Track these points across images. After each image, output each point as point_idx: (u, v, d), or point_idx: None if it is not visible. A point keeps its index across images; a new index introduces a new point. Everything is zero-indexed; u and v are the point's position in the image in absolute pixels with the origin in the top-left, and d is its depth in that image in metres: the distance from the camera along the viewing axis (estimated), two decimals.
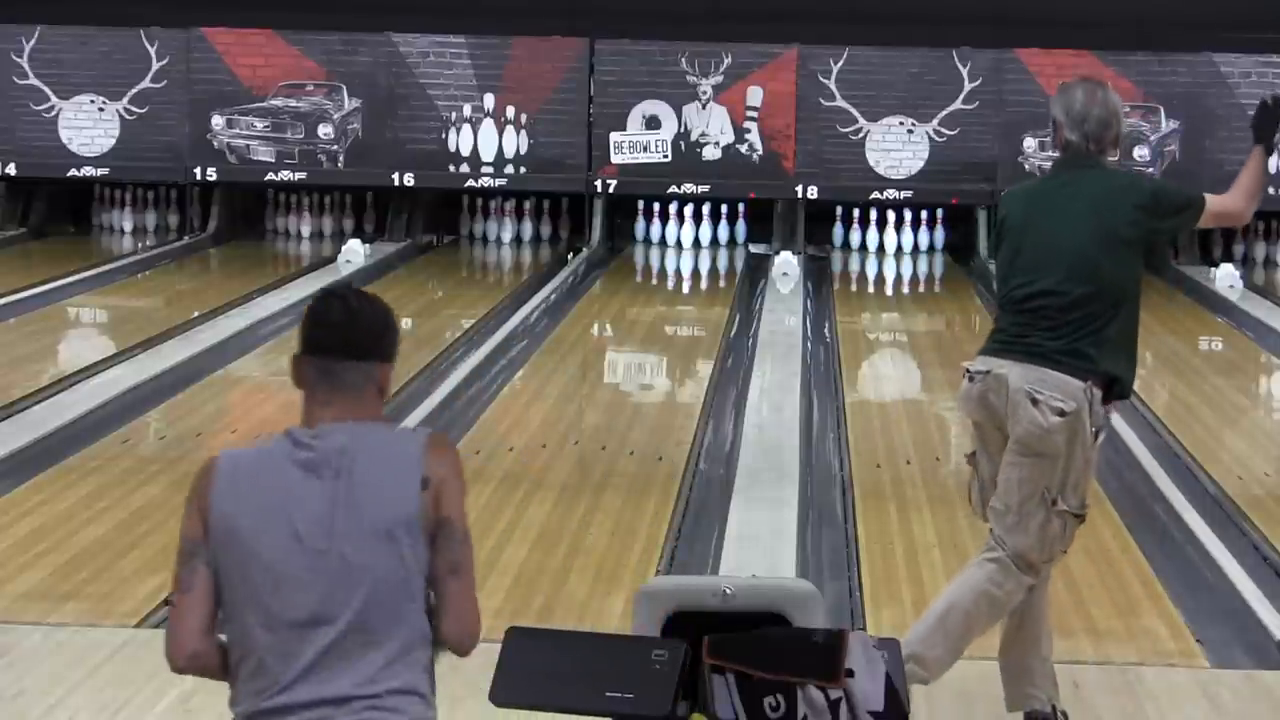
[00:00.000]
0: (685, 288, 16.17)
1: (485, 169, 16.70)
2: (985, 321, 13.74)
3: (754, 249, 16.75)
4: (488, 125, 16.66)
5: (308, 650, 3.25)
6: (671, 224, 17.03)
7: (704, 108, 16.60)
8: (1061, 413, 5.26)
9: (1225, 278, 14.77)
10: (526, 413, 10.41)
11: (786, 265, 15.33)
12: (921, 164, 16.56)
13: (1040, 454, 5.29)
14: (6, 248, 16.39)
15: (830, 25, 16.58)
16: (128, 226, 17.37)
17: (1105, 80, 5.72)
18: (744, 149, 16.62)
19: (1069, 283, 5.31)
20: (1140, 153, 16.12)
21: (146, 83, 16.79)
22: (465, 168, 16.69)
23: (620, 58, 16.65)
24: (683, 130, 16.63)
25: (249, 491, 3.30)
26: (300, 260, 16.36)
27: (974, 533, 7.78)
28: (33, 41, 16.80)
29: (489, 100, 16.64)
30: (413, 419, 9.64)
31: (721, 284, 16.09)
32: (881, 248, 16.90)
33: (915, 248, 16.90)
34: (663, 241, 17.05)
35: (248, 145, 16.76)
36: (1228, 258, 16.08)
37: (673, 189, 16.69)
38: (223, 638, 3.34)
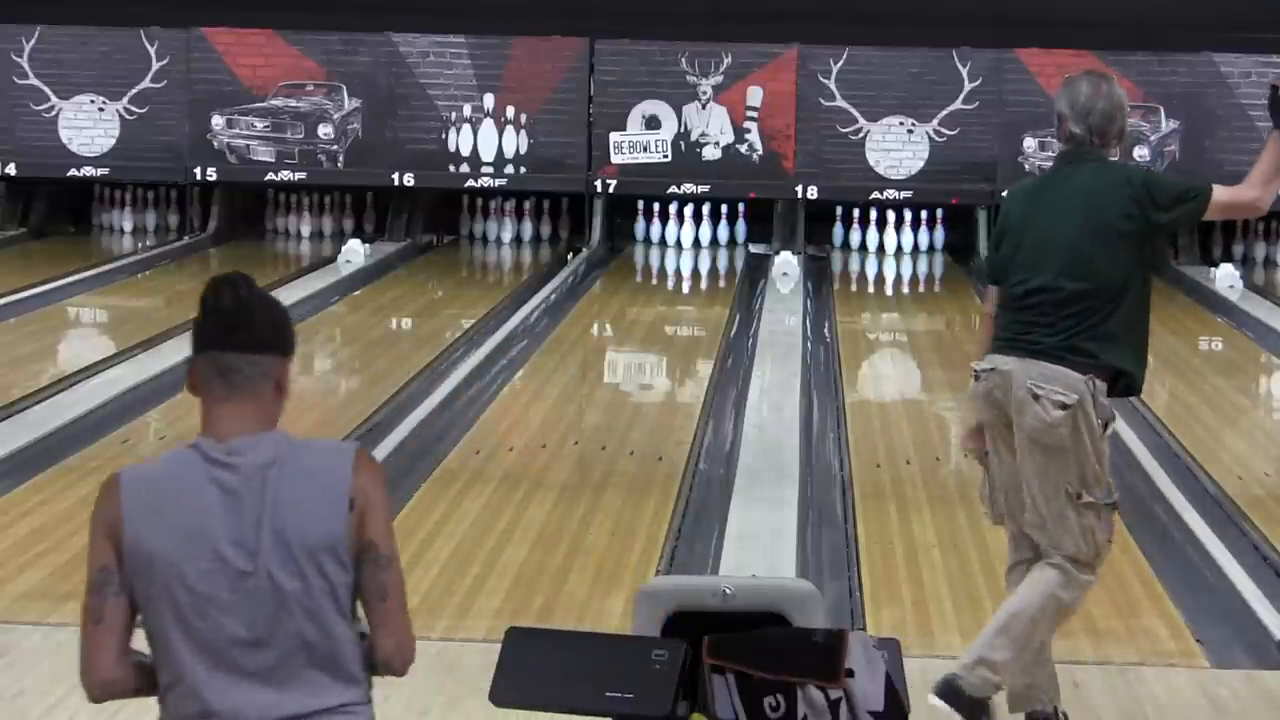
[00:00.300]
0: (685, 288, 16.17)
1: (485, 169, 16.70)
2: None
3: (754, 249, 16.74)
4: (488, 125, 16.66)
5: (240, 674, 3.19)
6: (671, 224, 17.03)
7: (704, 108, 16.60)
8: (1063, 405, 5.26)
9: (1225, 278, 14.77)
10: (526, 413, 10.40)
11: (786, 265, 15.33)
12: (921, 164, 16.56)
13: (1048, 448, 5.29)
14: (6, 248, 16.39)
15: (830, 25, 16.58)
16: (128, 226, 17.37)
17: (1110, 75, 5.67)
18: (744, 149, 16.62)
19: (1063, 278, 5.32)
20: (1140, 153, 16.12)
21: (146, 83, 16.79)
22: (465, 168, 16.69)
23: (620, 58, 16.65)
24: (683, 130, 16.62)
25: (164, 513, 3.19)
26: (300, 260, 16.36)
27: (974, 532, 7.78)
28: (33, 41, 16.81)
29: (489, 100, 16.64)
30: (413, 419, 9.65)
31: (721, 284, 16.09)
32: (881, 248, 16.90)
33: (915, 248, 16.90)
34: (663, 241, 17.05)
35: (248, 145, 16.76)
36: (1228, 258, 16.08)
37: (673, 189, 16.69)
38: (141, 658, 3.26)
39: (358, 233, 16.96)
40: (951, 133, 16.51)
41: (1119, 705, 5.68)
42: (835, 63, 16.51)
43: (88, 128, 16.88)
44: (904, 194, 16.63)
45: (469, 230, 17.32)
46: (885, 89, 16.55)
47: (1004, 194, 5.79)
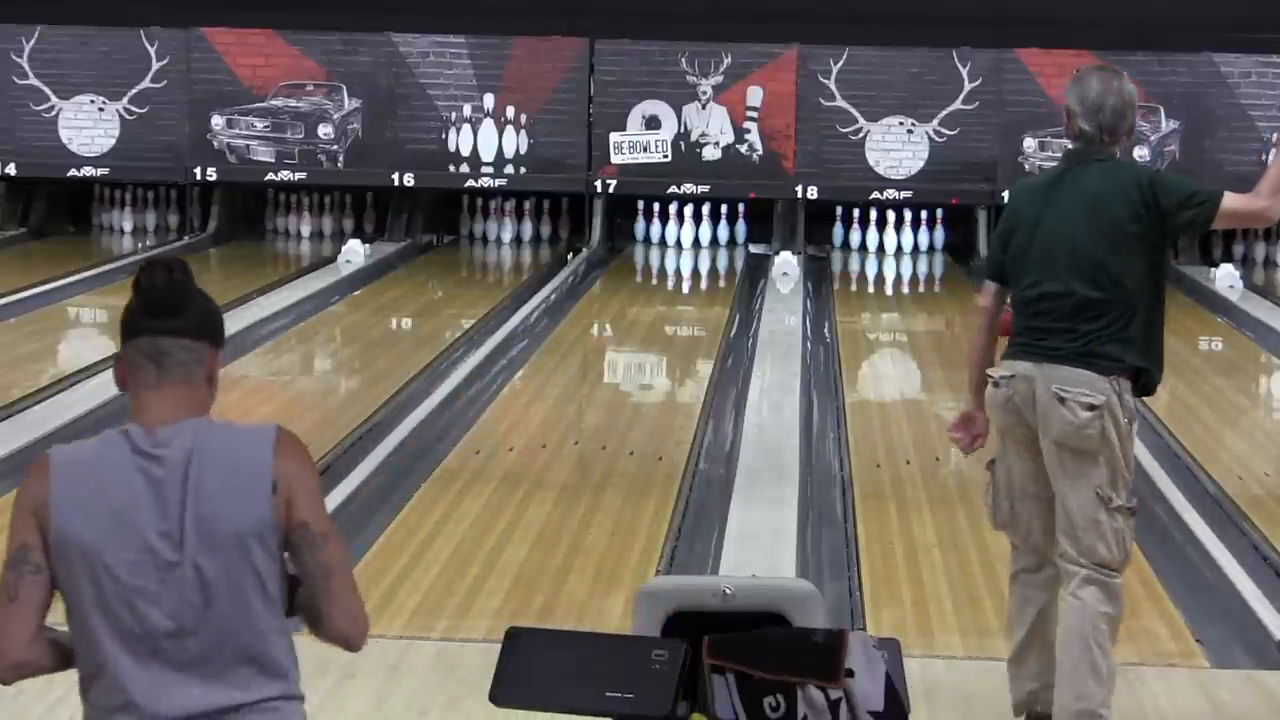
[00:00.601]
0: (685, 288, 16.17)
1: (485, 169, 16.70)
2: None
3: (754, 249, 16.75)
4: (488, 125, 16.66)
5: (164, 666, 3.15)
6: (671, 224, 17.03)
7: (704, 108, 16.60)
8: (1091, 406, 5.23)
9: (1225, 278, 14.77)
10: (526, 413, 10.41)
11: (786, 265, 15.33)
12: (921, 164, 16.56)
13: (1077, 451, 5.25)
14: (6, 248, 16.39)
15: (830, 25, 16.58)
16: (128, 226, 17.37)
17: (1120, 70, 5.59)
18: (744, 149, 16.62)
19: (1076, 282, 5.29)
20: (1140, 153, 16.11)
21: (146, 83, 16.79)
22: (465, 168, 16.69)
23: (620, 58, 16.65)
24: (683, 130, 16.62)
25: (91, 501, 3.15)
26: (300, 260, 16.36)
27: (974, 532, 7.79)
28: (33, 41, 16.81)
29: (489, 100, 16.64)
30: (413, 419, 9.65)
31: (721, 284, 16.09)
32: (881, 248, 16.90)
33: (915, 248, 16.90)
34: (663, 241, 17.05)
35: (248, 145, 16.76)
36: (1228, 258, 16.08)
37: (673, 189, 16.69)
38: (55, 635, 3.22)
39: (358, 233, 16.96)
40: (951, 133, 16.51)
41: (1119, 705, 5.68)
42: (835, 63, 16.51)
43: (88, 128, 16.88)
44: (904, 194, 16.63)
45: (469, 230, 17.33)
46: (885, 89, 16.55)
47: (1009, 191, 5.78)
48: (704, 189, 16.68)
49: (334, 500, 8.03)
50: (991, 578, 7.16)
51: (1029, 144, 16.38)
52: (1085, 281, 5.28)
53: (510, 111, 16.64)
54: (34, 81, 16.85)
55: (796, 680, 3.32)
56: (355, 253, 15.54)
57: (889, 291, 15.90)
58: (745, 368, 11.50)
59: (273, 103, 16.74)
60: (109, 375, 11.22)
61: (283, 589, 3.22)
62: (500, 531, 7.77)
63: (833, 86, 16.53)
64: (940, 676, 6.05)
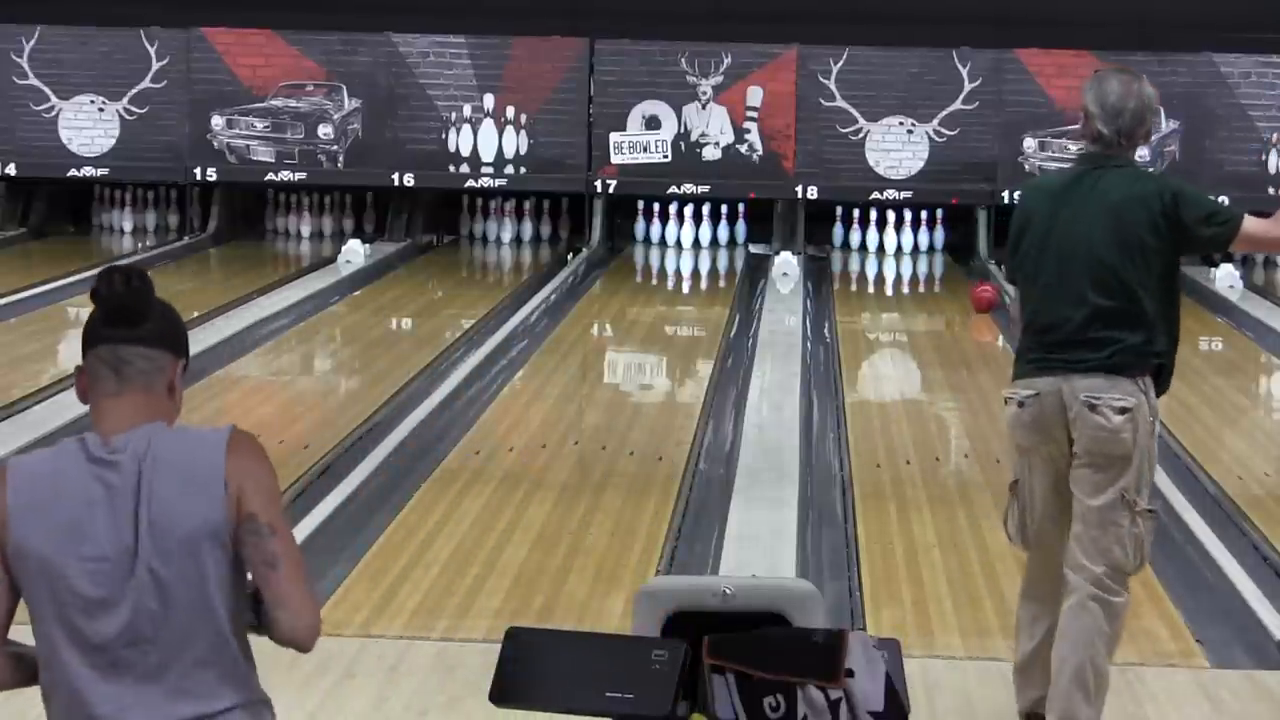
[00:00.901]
0: (685, 288, 16.17)
1: (485, 169, 16.70)
2: (984, 321, 13.74)
3: (754, 249, 16.74)
4: (488, 125, 16.66)
5: (125, 677, 3.11)
6: (671, 224, 17.03)
7: (704, 108, 16.60)
8: (1124, 410, 5.19)
9: (1225, 278, 14.78)
10: (526, 413, 10.40)
11: (786, 265, 15.33)
12: (921, 164, 16.56)
13: (1111, 456, 5.20)
14: (6, 248, 16.39)
15: (830, 25, 16.58)
16: (128, 226, 17.37)
17: (1138, 72, 5.49)
18: (744, 149, 16.62)
19: (1091, 293, 5.21)
20: (1140, 153, 16.08)
21: (146, 83, 16.79)
22: (465, 168, 16.69)
23: (620, 58, 16.65)
24: (683, 130, 16.62)
25: (47, 511, 3.12)
26: (300, 260, 16.36)
27: (974, 532, 7.79)
28: (33, 41, 16.81)
29: (489, 100, 16.64)
30: (413, 419, 9.65)
31: (721, 284, 16.09)
32: (881, 248, 16.89)
33: (915, 248, 16.90)
34: (663, 241, 17.05)
35: (248, 145, 16.76)
36: (1228, 258, 16.08)
37: (673, 189, 16.69)
38: (18, 648, 3.20)
39: (358, 233, 16.96)
40: (951, 133, 16.50)
41: (1119, 705, 5.68)
42: (835, 63, 16.51)
43: (88, 128, 16.87)
44: (904, 194, 16.63)
45: (469, 230, 17.32)
46: (885, 89, 16.55)
47: (1020, 191, 5.66)
48: (704, 189, 16.68)
49: (334, 500, 8.04)
50: (991, 578, 7.16)
51: (1029, 144, 16.38)
52: (1101, 290, 5.21)
53: (510, 111, 16.63)
54: (34, 81, 16.85)
55: (796, 680, 3.32)
56: (355, 253, 15.54)
57: (889, 291, 15.90)
58: (745, 368, 11.50)
59: (273, 103, 16.74)
60: None
61: (244, 595, 3.17)
62: (500, 531, 7.77)
63: (833, 86, 16.53)
64: (940, 676, 6.05)
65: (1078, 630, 5.25)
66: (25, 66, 16.82)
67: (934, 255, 16.89)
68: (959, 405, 10.79)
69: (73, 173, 16.93)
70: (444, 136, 16.65)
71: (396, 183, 16.73)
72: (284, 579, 3.14)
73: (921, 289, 16.14)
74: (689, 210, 16.98)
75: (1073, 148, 16.08)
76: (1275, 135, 16.38)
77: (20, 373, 10.82)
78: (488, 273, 16.95)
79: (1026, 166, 16.26)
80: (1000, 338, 12.84)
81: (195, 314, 12.81)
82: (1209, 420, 10.41)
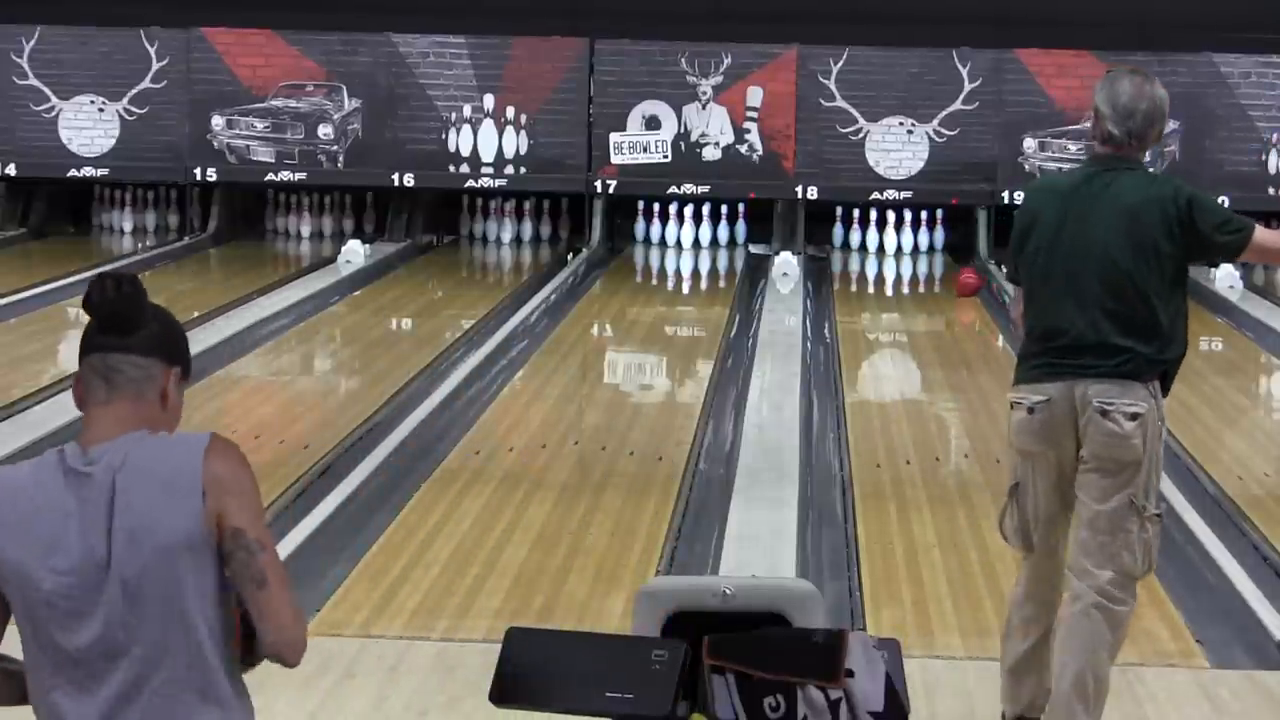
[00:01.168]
0: (685, 288, 16.17)
1: (485, 169, 16.70)
2: (985, 321, 13.75)
3: (754, 249, 16.74)
4: (488, 125, 16.66)
5: (101, 693, 3.07)
6: (671, 224, 17.03)
7: (704, 108, 16.60)
8: (1135, 415, 5.15)
9: (1225, 278, 14.78)
10: (526, 413, 10.41)
11: (786, 265, 15.34)
12: (921, 164, 16.56)
13: (1122, 462, 5.17)
14: (6, 248, 16.39)
15: (830, 25, 16.58)
16: (128, 226, 17.37)
17: (1151, 74, 5.43)
18: (744, 149, 16.62)
19: (1107, 298, 5.17)
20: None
21: (146, 83, 16.79)
22: (465, 168, 16.69)
23: (620, 58, 16.65)
24: (683, 130, 16.62)
25: (22, 524, 3.07)
26: (300, 260, 16.36)
27: (974, 532, 7.79)
28: (33, 41, 16.81)
29: (489, 100, 16.64)
30: (413, 419, 9.65)
31: (721, 284, 16.09)
32: (881, 248, 16.89)
33: (915, 248, 16.90)
34: (663, 242, 17.05)
35: (248, 145, 16.76)
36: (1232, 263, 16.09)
37: (673, 189, 16.69)
38: (11, 665, 3.16)
39: (358, 233, 16.96)
40: (951, 133, 16.51)
41: (1119, 705, 5.68)
42: (835, 63, 16.51)
43: (88, 128, 16.88)
44: (904, 194, 16.63)
45: (469, 230, 17.32)
46: (885, 89, 16.55)
47: (1026, 190, 5.56)
48: (704, 189, 16.68)
49: (334, 500, 8.04)
50: (991, 578, 7.17)
51: (1029, 144, 16.38)
52: (1114, 295, 5.17)
53: (510, 112, 16.63)
54: (34, 81, 16.85)
55: (796, 680, 3.32)
56: (355, 253, 15.54)
57: (889, 291, 15.90)
58: (745, 368, 11.50)
59: (273, 103, 16.74)
60: None
61: (227, 610, 3.12)
62: (500, 531, 7.77)
63: (833, 87, 16.53)
64: (940, 676, 6.05)
65: (1081, 637, 5.22)
66: (25, 66, 16.82)
67: (934, 255, 16.89)
68: (959, 405, 10.79)
69: (73, 173, 16.93)
70: (444, 136, 16.65)
71: (396, 183, 16.73)
72: (271, 596, 3.09)
73: (921, 289, 16.14)
74: (689, 210, 16.98)
75: (1073, 148, 16.09)
76: (1275, 135, 16.38)
77: (20, 373, 10.82)
78: (488, 273, 16.95)
79: (1026, 167, 16.27)
80: (1001, 338, 12.83)
81: (195, 314, 12.81)
82: (1209, 420, 10.41)
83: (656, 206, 17.00)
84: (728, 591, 3.52)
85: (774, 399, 10.42)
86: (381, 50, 16.64)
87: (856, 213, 16.94)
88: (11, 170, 16.86)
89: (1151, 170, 5.38)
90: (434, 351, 11.80)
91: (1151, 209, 5.20)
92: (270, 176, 16.83)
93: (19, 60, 16.81)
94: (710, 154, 16.63)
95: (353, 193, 17.28)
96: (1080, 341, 5.20)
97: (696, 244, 16.99)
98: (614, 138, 16.61)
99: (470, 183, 16.79)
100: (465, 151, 16.66)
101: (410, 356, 11.78)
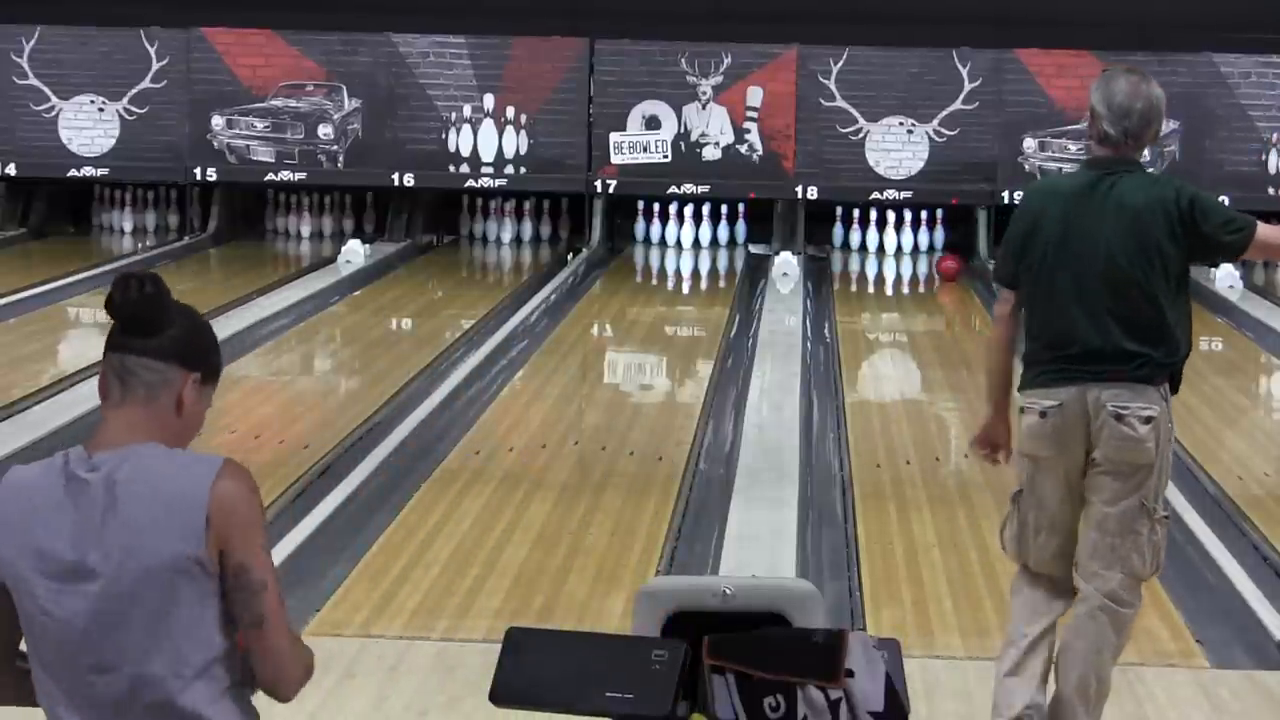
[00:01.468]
0: (685, 288, 16.17)
1: (485, 169, 16.70)
2: (985, 321, 13.75)
3: (754, 249, 16.75)
4: (488, 125, 16.66)
5: (96, 702, 3.01)
6: (671, 224, 17.03)
7: (704, 108, 16.60)
8: (1149, 419, 5.13)
9: (1225, 278, 14.78)
10: (526, 413, 10.40)
11: (786, 265, 15.34)
12: (921, 164, 16.56)
13: (1135, 465, 5.14)
14: (6, 248, 16.39)
15: (830, 25, 16.58)
16: (128, 226, 17.37)
17: (1147, 73, 5.37)
18: (744, 149, 16.62)
19: (1118, 305, 5.13)
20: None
21: (146, 83, 16.79)
22: (465, 168, 16.70)
23: (620, 58, 16.65)
24: (683, 130, 16.62)
25: (23, 527, 3.02)
26: (300, 260, 16.36)
27: (974, 532, 7.79)
28: (33, 41, 16.81)
29: (489, 100, 16.64)
30: (413, 419, 9.65)
31: (721, 284, 16.09)
32: (881, 248, 16.90)
33: (915, 248, 16.90)
34: (663, 242, 17.05)
35: (248, 145, 16.76)
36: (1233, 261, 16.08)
37: (673, 189, 16.69)
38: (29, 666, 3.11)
39: (358, 233, 16.96)
40: (951, 133, 16.51)
41: (1119, 705, 5.68)
42: (835, 63, 16.51)
43: (88, 128, 16.88)
44: (904, 194, 16.63)
45: (469, 230, 17.33)
46: (885, 89, 16.55)
47: (1028, 194, 5.49)
48: (704, 189, 16.68)
49: (334, 500, 8.04)
50: (991, 578, 7.17)
51: (1029, 144, 16.38)
52: (1123, 301, 5.13)
53: (510, 111, 16.64)
54: (34, 81, 16.85)
55: (796, 680, 3.32)
56: (355, 253, 15.54)
57: (889, 291, 15.90)
58: (745, 368, 11.50)
59: (273, 103, 16.74)
60: None
61: (227, 637, 3.06)
62: (500, 531, 7.77)
63: (833, 87, 16.53)
64: (940, 676, 6.05)
65: (1086, 639, 5.21)
66: (25, 66, 16.82)
67: (934, 255, 16.88)
68: (959, 405, 10.79)
69: (73, 173, 16.93)
70: (444, 136, 16.65)
71: (396, 183, 16.73)
72: (268, 635, 3.04)
73: (921, 289, 16.14)
74: (689, 210, 16.98)
75: (1073, 148, 16.09)
76: (1275, 135, 16.38)
77: (20, 373, 10.82)
78: (488, 273, 16.95)
79: (1026, 167, 16.27)
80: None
81: None
82: (1209, 420, 10.41)
83: (656, 206, 17.00)
84: (728, 591, 3.52)
85: (774, 399, 10.42)
86: (381, 50, 16.65)
87: (856, 213, 16.94)
88: (11, 170, 16.86)
89: (1151, 170, 5.36)
90: (434, 351, 11.80)
91: (1154, 211, 5.17)
92: (270, 176, 16.83)
93: (19, 60, 16.81)
94: (710, 154, 16.63)
95: (353, 193, 17.28)
96: (1091, 348, 5.16)
97: (696, 244, 16.99)
98: (614, 138, 16.61)
99: (470, 183, 16.80)
100: (465, 151, 16.66)
101: (410, 356, 11.79)
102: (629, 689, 3.29)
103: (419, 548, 7.50)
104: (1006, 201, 15.96)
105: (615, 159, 16.61)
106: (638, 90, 16.62)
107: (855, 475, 8.84)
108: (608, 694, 3.29)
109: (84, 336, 13.45)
